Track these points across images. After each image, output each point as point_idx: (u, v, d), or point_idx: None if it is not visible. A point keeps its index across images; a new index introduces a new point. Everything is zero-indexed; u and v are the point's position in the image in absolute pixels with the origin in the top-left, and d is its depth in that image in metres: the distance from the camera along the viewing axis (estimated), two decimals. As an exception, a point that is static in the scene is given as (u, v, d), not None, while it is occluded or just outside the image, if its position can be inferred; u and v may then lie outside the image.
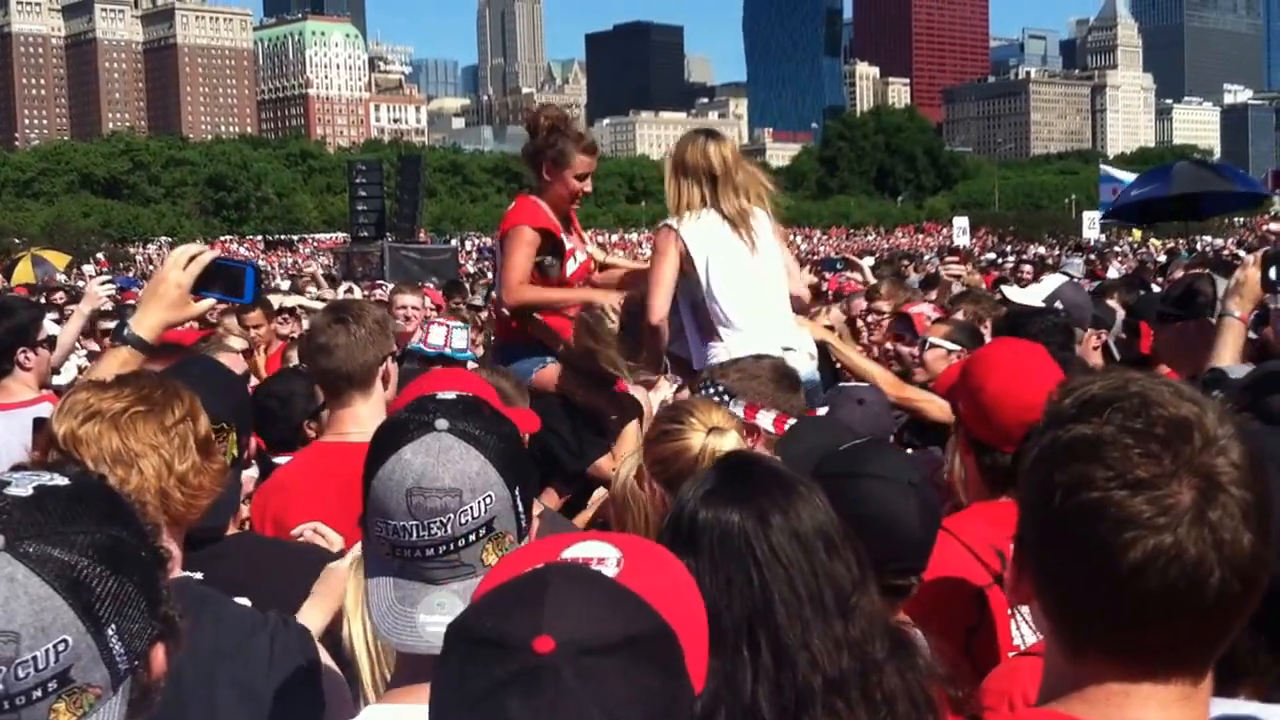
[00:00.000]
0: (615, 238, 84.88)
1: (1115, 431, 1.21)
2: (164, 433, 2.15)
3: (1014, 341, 3.43)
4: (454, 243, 48.83)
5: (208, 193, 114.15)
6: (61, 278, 25.42)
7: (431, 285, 13.15)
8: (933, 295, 7.75)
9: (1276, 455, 1.58)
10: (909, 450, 4.25)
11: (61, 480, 1.28)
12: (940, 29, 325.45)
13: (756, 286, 4.54)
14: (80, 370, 6.40)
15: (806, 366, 4.36)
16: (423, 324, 6.97)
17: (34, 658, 1.16)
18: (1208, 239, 36.61)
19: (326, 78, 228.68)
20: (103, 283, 5.91)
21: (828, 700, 1.69)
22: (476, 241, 77.92)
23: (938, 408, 3.90)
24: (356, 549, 2.36)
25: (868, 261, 10.57)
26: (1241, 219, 47.08)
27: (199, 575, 2.23)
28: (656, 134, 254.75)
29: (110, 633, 1.21)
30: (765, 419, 3.10)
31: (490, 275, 5.39)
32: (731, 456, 2.15)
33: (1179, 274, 8.55)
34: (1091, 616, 1.25)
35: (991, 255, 29.80)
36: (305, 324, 8.00)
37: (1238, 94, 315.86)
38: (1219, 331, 3.70)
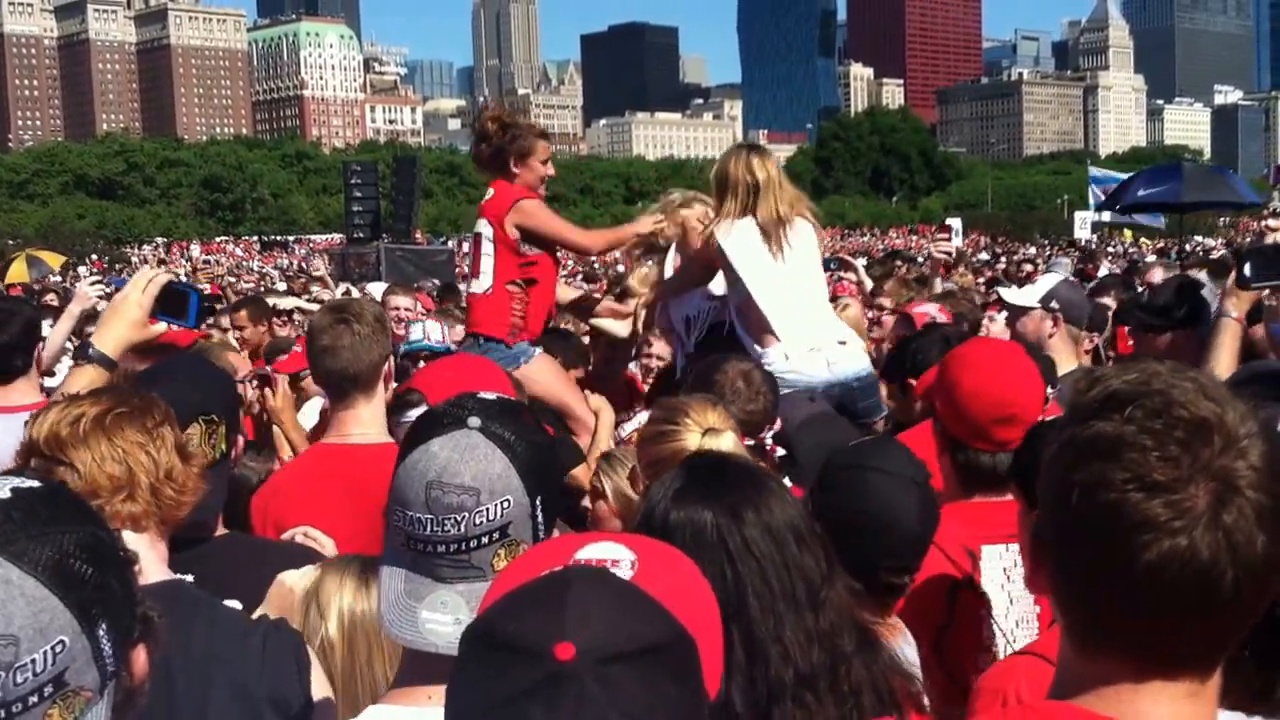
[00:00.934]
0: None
1: (1135, 431, 1.21)
2: (146, 433, 2.16)
3: (991, 340, 3.47)
4: (450, 244, 48.86)
5: (203, 194, 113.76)
6: (55, 279, 25.45)
7: (430, 287, 13.25)
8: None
9: None
10: None
11: (33, 482, 1.26)
12: (934, 30, 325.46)
13: (798, 290, 4.61)
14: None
15: (860, 360, 4.57)
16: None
17: (32, 661, 1.13)
18: (1198, 239, 36.74)
19: (321, 79, 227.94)
20: (93, 283, 5.90)
21: (798, 693, 1.70)
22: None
23: None
24: (308, 572, 2.44)
25: (861, 262, 10.71)
26: (1225, 219, 47.15)
27: (189, 577, 2.21)
28: (652, 135, 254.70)
29: (102, 632, 1.19)
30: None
31: (464, 267, 5.45)
32: (699, 456, 2.14)
33: (1156, 274, 8.64)
34: (1105, 614, 1.26)
35: (985, 255, 29.94)
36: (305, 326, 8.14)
37: (1228, 95, 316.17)
38: (1215, 332, 3.69)
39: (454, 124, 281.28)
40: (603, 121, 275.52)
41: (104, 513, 1.81)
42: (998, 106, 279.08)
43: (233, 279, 30.12)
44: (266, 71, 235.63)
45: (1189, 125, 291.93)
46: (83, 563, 1.19)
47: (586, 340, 5.96)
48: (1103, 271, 16.24)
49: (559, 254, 5.32)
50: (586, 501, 3.48)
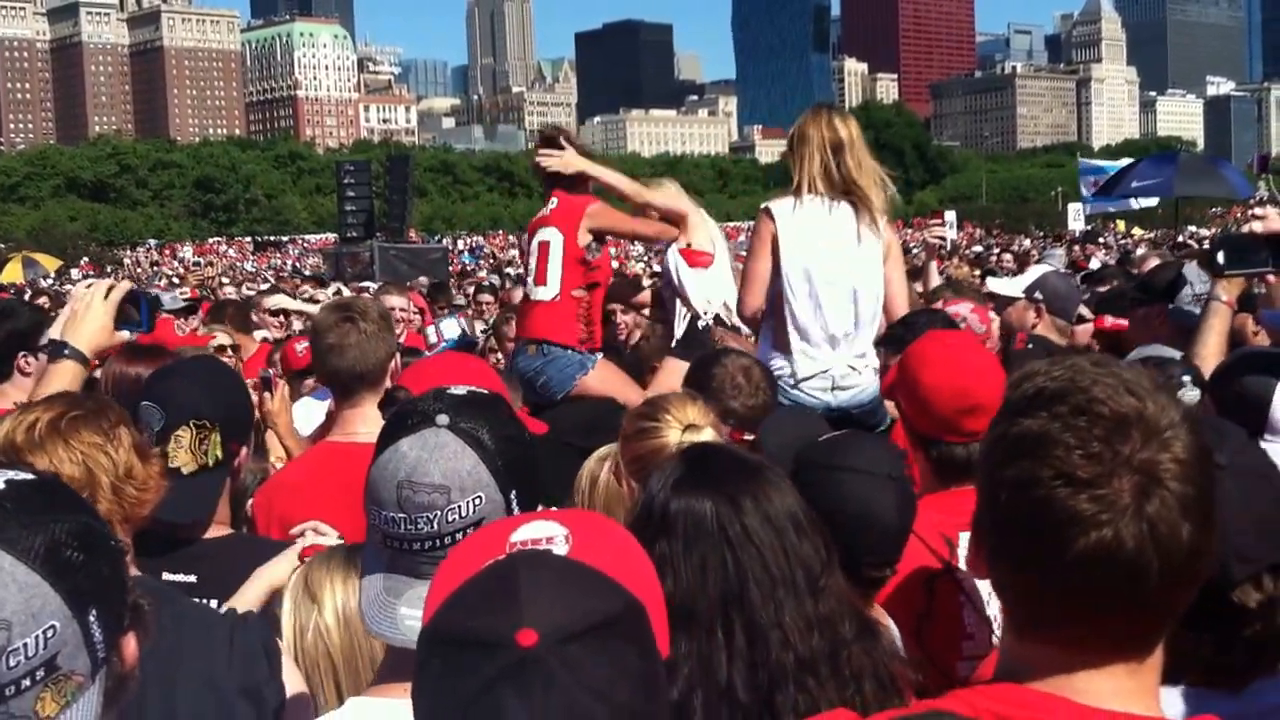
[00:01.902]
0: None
1: (1059, 429, 1.25)
2: (103, 434, 2.17)
3: (943, 333, 3.47)
4: (445, 242, 48.77)
5: (196, 195, 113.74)
6: (46, 282, 25.38)
7: (422, 285, 13.19)
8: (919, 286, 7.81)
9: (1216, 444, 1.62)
10: None
11: (27, 474, 1.30)
12: (927, 25, 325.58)
13: (840, 295, 4.33)
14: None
15: (865, 388, 4.34)
16: (412, 327, 7.07)
17: (24, 645, 1.16)
18: (1192, 229, 36.71)
19: (315, 79, 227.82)
20: (88, 286, 5.90)
21: (800, 678, 1.71)
22: (468, 241, 77.77)
23: None
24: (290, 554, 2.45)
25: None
26: (1219, 208, 47.15)
27: (193, 578, 2.24)
28: (647, 131, 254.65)
29: (92, 618, 1.21)
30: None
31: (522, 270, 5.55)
32: (695, 447, 2.16)
33: (1151, 263, 8.64)
34: (1039, 603, 1.29)
35: (979, 248, 29.91)
36: (294, 325, 8.06)
37: (1220, 86, 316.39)
38: (1205, 315, 3.70)
39: (448, 123, 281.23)
40: (597, 119, 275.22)
41: None
42: (991, 100, 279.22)
43: (226, 280, 29.99)
44: (260, 72, 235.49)
45: (1182, 117, 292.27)
46: (74, 550, 1.22)
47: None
48: (1095, 263, 16.23)
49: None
50: None
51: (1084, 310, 5.57)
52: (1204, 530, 1.25)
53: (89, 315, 3.01)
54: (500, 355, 6.68)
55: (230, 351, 6.34)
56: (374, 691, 1.78)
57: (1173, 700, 1.65)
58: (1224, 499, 1.63)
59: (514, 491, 1.73)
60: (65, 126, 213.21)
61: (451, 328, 6.14)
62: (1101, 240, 26.27)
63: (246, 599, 2.49)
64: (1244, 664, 1.73)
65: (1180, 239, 22.24)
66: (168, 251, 78.85)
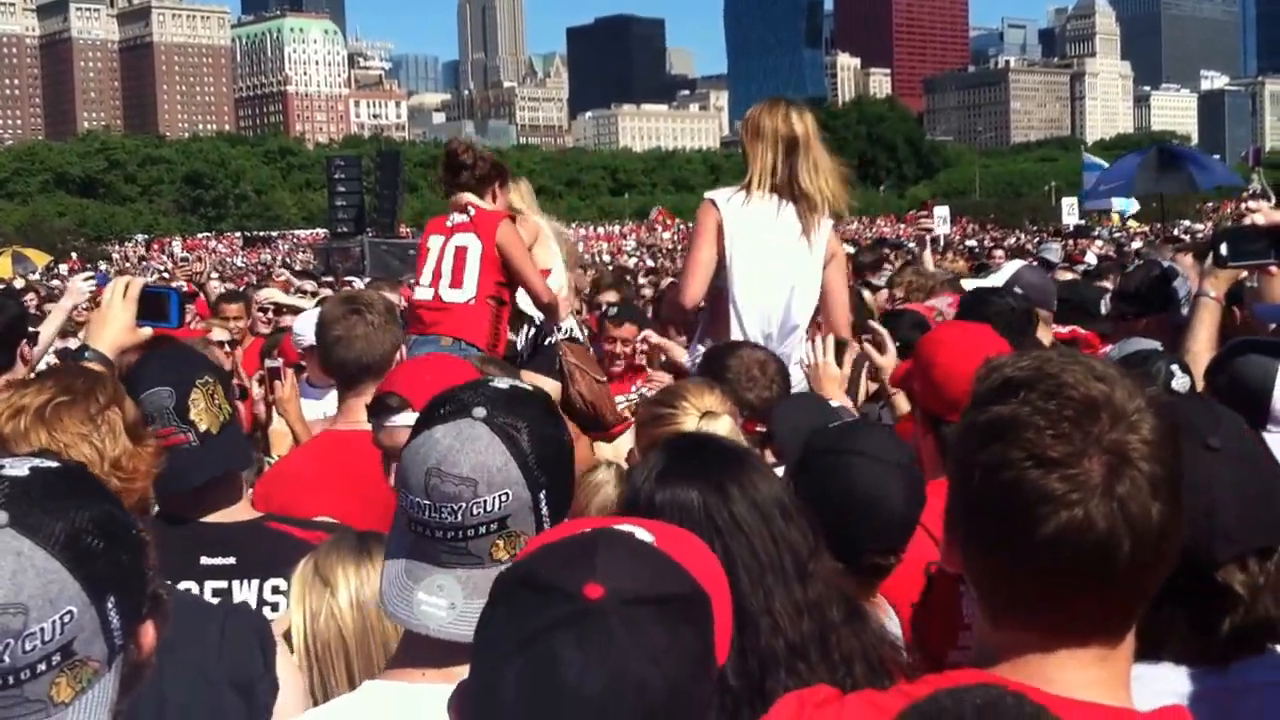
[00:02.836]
0: (599, 230, 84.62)
1: (1030, 413, 1.27)
2: (90, 421, 2.14)
3: (959, 323, 3.59)
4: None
5: (185, 190, 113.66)
6: (34, 277, 25.20)
7: (410, 280, 13.01)
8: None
9: (1191, 425, 1.70)
10: None
11: (52, 462, 1.32)
12: (920, 19, 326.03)
13: (777, 294, 4.29)
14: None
15: (800, 382, 4.22)
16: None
17: (41, 629, 1.17)
18: (1186, 223, 36.68)
19: (305, 74, 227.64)
20: (86, 279, 5.81)
21: (790, 663, 1.72)
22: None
23: None
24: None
25: (849, 249, 10.56)
26: (1211, 202, 47.19)
27: (231, 559, 2.27)
28: (638, 126, 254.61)
29: (110, 605, 1.22)
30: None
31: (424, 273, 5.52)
32: (679, 437, 2.15)
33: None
34: (1011, 587, 1.31)
35: (972, 243, 29.81)
36: (282, 319, 7.90)
37: (1214, 80, 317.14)
38: (1195, 311, 3.72)
39: (439, 118, 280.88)
40: (589, 114, 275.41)
41: None
42: (985, 95, 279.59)
43: (215, 274, 29.79)
44: (250, 68, 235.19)
45: (1176, 111, 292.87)
46: (94, 538, 1.23)
47: None
48: (1090, 258, 16.16)
49: None
50: None
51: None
52: (1173, 510, 1.26)
53: (109, 315, 3.05)
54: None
55: (228, 347, 6.24)
56: (388, 675, 1.79)
57: (1160, 677, 1.67)
58: (1215, 480, 1.71)
59: (544, 492, 1.71)
60: (54, 122, 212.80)
61: None
62: (1096, 234, 26.18)
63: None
64: (1229, 646, 1.73)
65: (1175, 232, 22.15)
66: (156, 247, 78.59)
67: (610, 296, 7.80)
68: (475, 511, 1.68)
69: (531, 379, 4.16)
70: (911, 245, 13.52)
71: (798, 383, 4.14)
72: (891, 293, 6.65)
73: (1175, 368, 3.33)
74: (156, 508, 2.56)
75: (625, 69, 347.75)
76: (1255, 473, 1.79)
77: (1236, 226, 3.69)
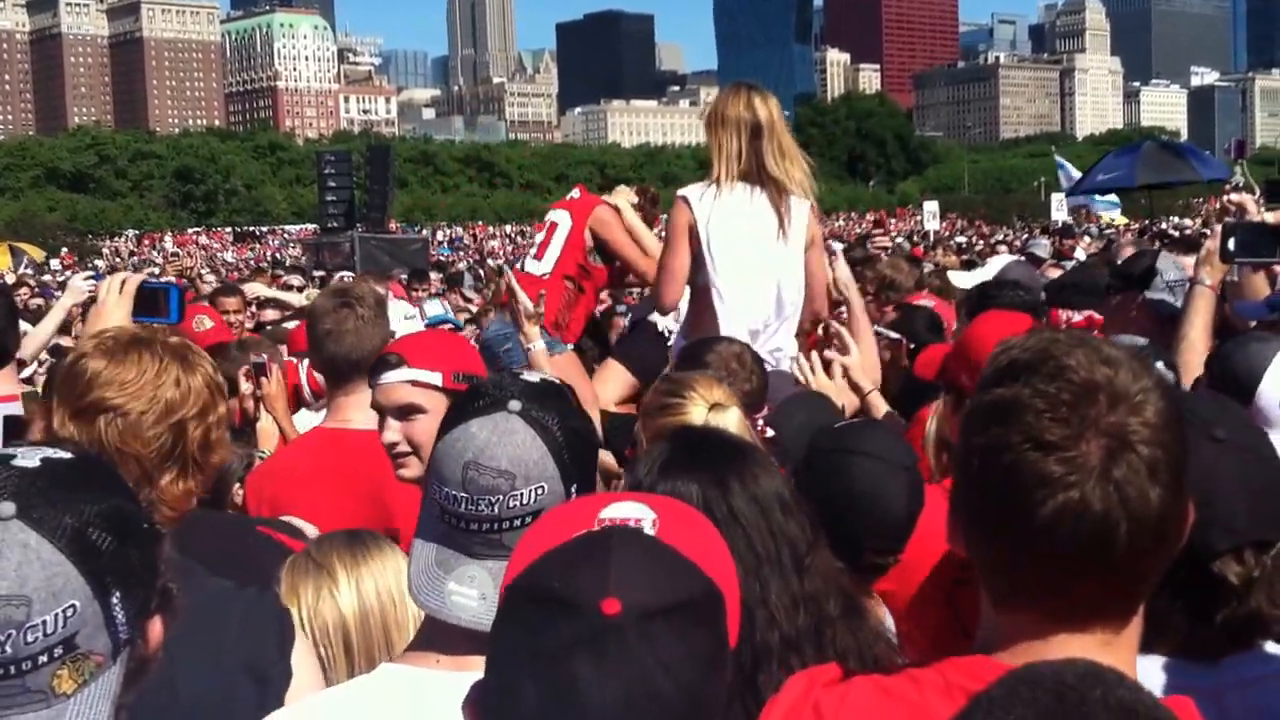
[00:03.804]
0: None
1: (1029, 395, 1.26)
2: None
3: (1002, 312, 3.51)
4: (425, 233, 48.57)
5: (175, 185, 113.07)
6: (27, 272, 25.21)
7: (399, 275, 13.10)
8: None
9: (1197, 416, 1.70)
10: None
11: (65, 453, 1.31)
12: (910, 15, 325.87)
13: (762, 287, 4.23)
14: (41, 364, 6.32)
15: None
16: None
17: (43, 622, 1.17)
18: (1175, 219, 36.79)
19: (295, 70, 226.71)
20: (85, 278, 5.88)
21: (783, 656, 1.72)
22: (447, 232, 77.51)
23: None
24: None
25: (839, 246, 10.61)
26: (1200, 197, 47.33)
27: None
28: (628, 122, 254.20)
29: (115, 600, 1.23)
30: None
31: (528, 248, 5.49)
32: (682, 430, 2.16)
33: (1127, 251, 8.65)
34: (1012, 571, 1.30)
35: (961, 239, 29.90)
36: (264, 314, 7.99)
37: (1204, 76, 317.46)
38: (1189, 299, 3.65)
39: (428, 114, 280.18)
40: (579, 110, 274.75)
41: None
42: (974, 90, 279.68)
43: (205, 270, 29.84)
44: (240, 63, 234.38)
45: (1166, 107, 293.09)
46: (102, 532, 1.23)
47: None
48: (1078, 254, 16.21)
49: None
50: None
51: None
52: (1174, 494, 1.25)
53: (104, 312, 3.02)
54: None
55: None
56: (405, 659, 1.80)
57: (1151, 669, 1.66)
58: (1218, 472, 1.69)
59: (575, 485, 1.74)
60: (44, 117, 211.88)
61: (434, 307, 6.49)
62: (1084, 229, 26.28)
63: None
64: (1222, 640, 1.73)
65: (1164, 227, 22.25)
66: (147, 242, 78.40)
67: None
68: (512, 504, 1.69)
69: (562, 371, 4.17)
70: (900, 240, 13.60)
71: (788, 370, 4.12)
72: (864, 288, 6.63)
73: (1160, 364, 3.29)
74: None
75: (615, 65, 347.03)
76: (1260, 466, 1.79)
77: (1246, 222, 3.63)
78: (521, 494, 1.69)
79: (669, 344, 4.82)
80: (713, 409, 2.68)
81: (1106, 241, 19.50)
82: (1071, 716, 0.96)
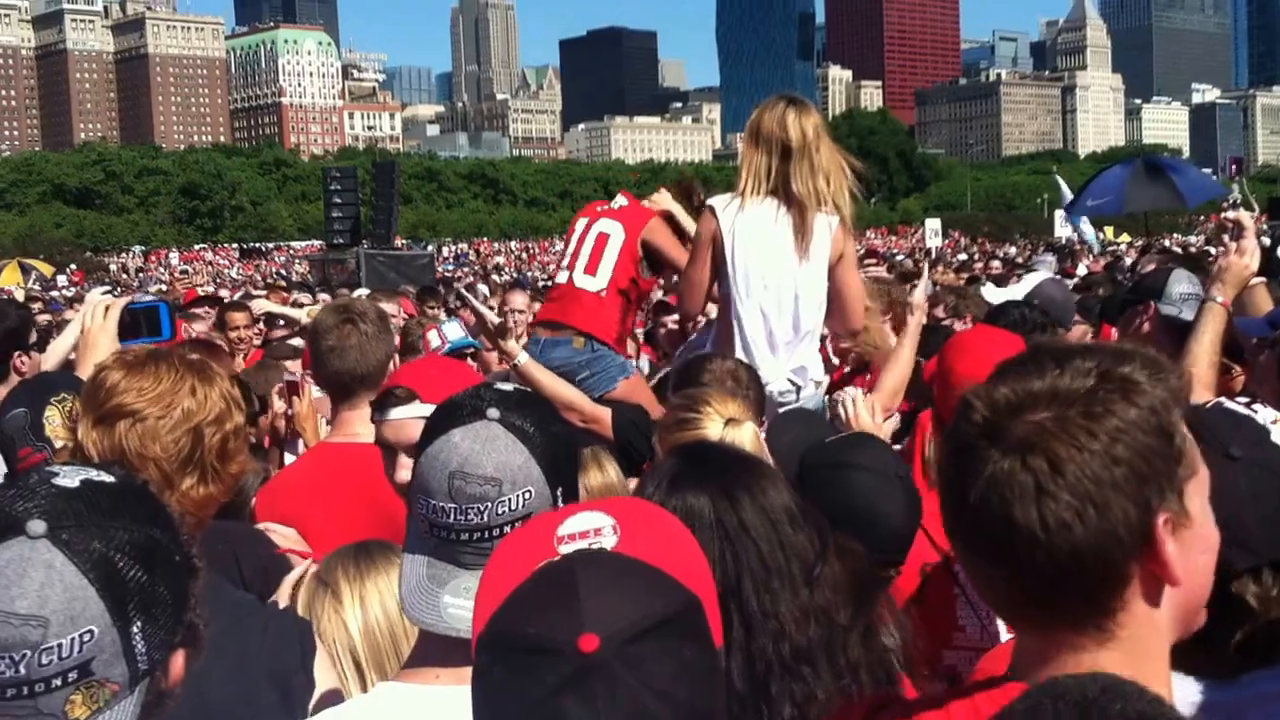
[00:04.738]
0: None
1: (989, 460, 1.27)
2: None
3: (988, 328, 3.53)
4: (430, 248, 48.73)
5: (181, 201, 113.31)
6: (35, 288, 25.40)
7: (409, 291, 13.19)
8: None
9: (1212, 434, 1.66)
10: None
11: (108, 477, 1.30)
12: (912, 32, 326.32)
13: (782, 302, 4.21)
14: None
15: (809, 398, 4.22)
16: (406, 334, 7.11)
17: (59, 645, 1.16)
18: (1177, 236, 36.91)
19: (299, 86, 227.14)
20: (104, 293, 5.99)
21: (795, 667, 1.72)
22: (453, 248, 77.71)
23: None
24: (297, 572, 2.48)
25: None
26: (1204, 215, 47.42)
27: None
28: (631, 139, 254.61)
29: (135, 630, 1.21)
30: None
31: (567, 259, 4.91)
32: (691, 444, 2.16)
33: (1150, 267, 8.72)
34: (988, 588, 1.33)
35: (964, 256, 29.99)
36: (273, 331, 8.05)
37: (1206, 93, 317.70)
38: (1200, 315, 3.57)
39: (433, 130, 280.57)
40: (581, 126, 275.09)
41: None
42: (976, 108, 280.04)
43: (213, 285, 30.02)
44: (244, 79, 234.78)
45: (1167, 124, 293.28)
46: (130, 560, 1.22)
47: None
48: (1081, 269, 16.29)
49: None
50: None
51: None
52: (1103, 516, 1.22)
53: (90, 341, 3.03)
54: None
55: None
56: (403, 676, 1.80)
57: (1171, 686, 1.64)
58: (1233, 491, 1.66)
59: (560, 489, 1.76)
60: (51, 133, 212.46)
61: (454, 330, 6.14)
62: (1085, 245, 26.39)
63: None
64: (1239, 658, 1.73)
65: (1167, 244, 22.35)
66: (154, 258, 78.62)
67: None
68: (500, 511, 1.70)
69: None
70: (901, 257, 13.71)
71: (814, 399, 4.20)
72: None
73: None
74: None
75: (618, 81, 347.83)
76: (1273, 485, 1.77)
77: None
78: (509, 499, 1.70)
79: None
80: (728, 423, 2.70)
81: (1113, 257, 19.59)
82: None
